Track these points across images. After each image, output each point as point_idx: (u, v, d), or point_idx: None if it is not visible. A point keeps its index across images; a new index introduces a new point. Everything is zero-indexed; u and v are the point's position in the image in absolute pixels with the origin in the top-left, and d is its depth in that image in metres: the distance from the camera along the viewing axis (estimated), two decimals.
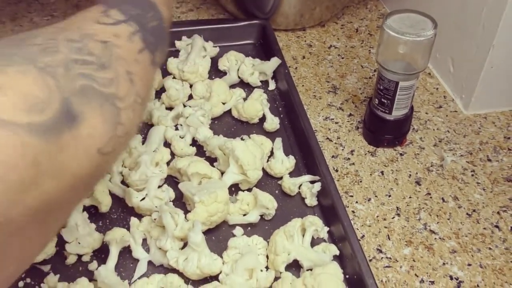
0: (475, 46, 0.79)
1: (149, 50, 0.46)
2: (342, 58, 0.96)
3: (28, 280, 0.60)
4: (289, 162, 0.72)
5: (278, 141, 0.74)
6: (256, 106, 0.79)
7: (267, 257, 0.62)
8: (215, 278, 0.60)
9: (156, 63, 0.49)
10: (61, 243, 0.61)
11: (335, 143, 0.79)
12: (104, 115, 0.37)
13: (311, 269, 0.59)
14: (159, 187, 0.68)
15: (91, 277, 0.59)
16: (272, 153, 0.74)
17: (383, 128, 0.76)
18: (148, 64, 0.46)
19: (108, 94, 0.38)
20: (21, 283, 0.59)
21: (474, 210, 0.70)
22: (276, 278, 0.59)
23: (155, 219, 0.63)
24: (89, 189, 0.51)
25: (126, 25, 0.45)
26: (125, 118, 0.40)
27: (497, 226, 0.68)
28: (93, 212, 0.67)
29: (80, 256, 0.62)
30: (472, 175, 0.74)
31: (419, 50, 0.68)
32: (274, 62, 0.85)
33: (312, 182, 0.70)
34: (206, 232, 0.65)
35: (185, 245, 0.62)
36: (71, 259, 0.61)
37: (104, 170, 0.43)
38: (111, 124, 0.38)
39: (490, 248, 0.65)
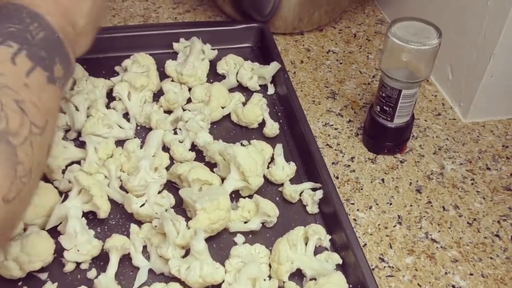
0: (476, 54, 0.79)
1: (41, 67, 0.42)
2: (341, 63, 0.95)
3: None
4: (290, 169, 0.72)
5: (279, 147, 0.73)
6: (255, 111, 0.78)
7: (270, 266, 0.61)
8: (217, 287, 0.59)
9: (55, 79, 0.44)
10: (59, 250, 0.60)
11: (335, 149, 0.79)
12: None
13: (314, 278, 0.59)
14: (159, 192, 0.67)
15: (90, 285, 0.58)
16: (272, 159, 0.73)
17: (384, 136, 0.76)
18: (44, 83, 0.42)
19: None
20: None
21: (474, 219, 0.70)
22: None
23: (155, 226, 0.62)
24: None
25: (3, 47, 0.40)
26: (24, 155, 0.36)
27: (497, 235, 0.68)
28: (91, 218, 0.65)
29: (78, 264, 0.60)
30: (472, 184, 0.75)
31: (423, 59, 0.68)
32: (274, 66, 0.85)
33: (314, 189, 0.69)
34: (207, 240, 0.63)
35: (186, 253, 0.60)
36: (69, 267, 0.60)
37: (16, 218, 0.38)
38: (9, 166, 0.34)
39: (491, 258, 0.65)
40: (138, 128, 0.79)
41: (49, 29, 0.46)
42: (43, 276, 0.59)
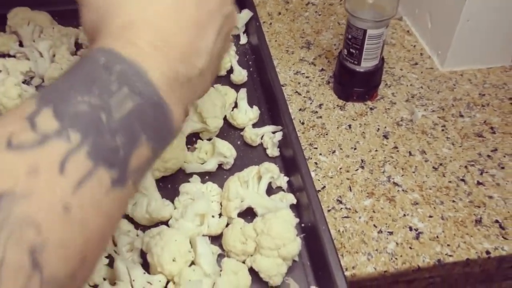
0: None
1: (106, 166, 0.29)
2: (319, 15, 0.93)
3: None
4: (253, 113, 0.70)
5: (243, 91, 0.72)
6: None
7: (221, 205, 0.60)
8: (165, 224, 0.58)
9: (127, 176, 0.31)
10: None
11: (304, 96, 0.77)
12: None
13: None
14: None
15: None
16: (236, 104, 0.72)
17: (353, 81, 0.74)
18: (103, 190, 0.29)
19: None
20: None
21: (441, 164, 0.68)
22: (228, 225, 0.58)
23: None
24: None
25: (57, 142, 0.28)
26: None
27: (463, 180, 0.66)
28: None
29: None
30: (442, 130, 0.72)
31: None
32: (246, 14, 0.83)
33: (274, 132, 0.68)
34: (162, 180, 0.63)
35: None
36: None
37: None
38: None
39: (453, 201, 0.63)
40: None
41: (146, 93, 0.32)
42: None
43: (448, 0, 0.77)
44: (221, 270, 0.52)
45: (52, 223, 0.26)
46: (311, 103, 0.76)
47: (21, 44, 0.79)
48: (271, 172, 0.60)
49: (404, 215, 0.62)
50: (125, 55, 0.33)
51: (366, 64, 0.71)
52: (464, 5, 0.74)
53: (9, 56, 0.77)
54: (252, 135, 0.67)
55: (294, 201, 0.60)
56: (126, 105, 0.31)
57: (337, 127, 0.72)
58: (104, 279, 0.52)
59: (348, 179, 0.66)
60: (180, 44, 0.37)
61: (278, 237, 0.53)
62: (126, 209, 0.34)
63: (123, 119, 0.31)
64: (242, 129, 0.70)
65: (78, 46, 0.79)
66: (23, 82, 0.73)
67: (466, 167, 0.67)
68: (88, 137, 0.29)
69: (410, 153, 0.69)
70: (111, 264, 0.53)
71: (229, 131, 0.70)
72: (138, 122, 0.32)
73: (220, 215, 0.59)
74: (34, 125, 0.28)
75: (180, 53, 0.36)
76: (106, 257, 0.54)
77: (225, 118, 0.70)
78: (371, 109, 0.75)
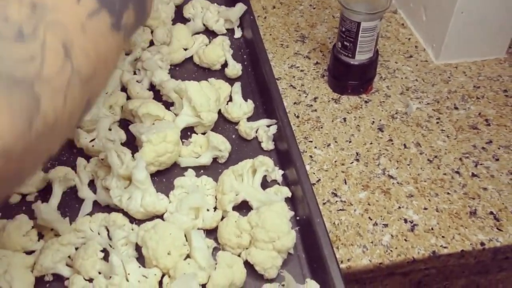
0: None
1: (108, 10, 0.36)
2: (314, 8, 0.93)
3: None
4: (247, 107, 0.70)
5: (237, 85, 0.71)
6: (217, 51, 0.76)
7: (216, 198, 0.60)
8: (160, 218, 0.58)
9: (121, 26, 0.38)
10: None
11: (299, 90, 0.77)
12: (12, 106, 0.28)
13: None
14: (111, 130, 0.66)
15: (33, 216, 0.57)
16: (230, 97, 0.72)
17: (347, 74, 0.74)
18: (106, 29, 0.36)
19: (22, 77, 0.29)
20: None
21: (435, 156, 0.68)
22: (223, 219, 0.58)
23: (102, 159, 0.62)
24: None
25: None
26: (49, 107, 0.31)
27: (457, 172, 0.66)
28: None
29: (24, 196, 0.60)
30: (437, 123, 0.72)
31: None
32: (240, 8, 0.83)
33: (269, 126, 0.67)
34: (156, 174, 0.63)
35: (130, 185, 0.60)
36: (15, 198, 0.60)
37: (19, 175, 0.33)
38: (22, 117, 0.29)
39: (448, 193, 0.64)
40: (87, 110, 0.77)
41: None
42: None
43: None
44: (216, 263, 0.52)
45: (75, 32, 0.33)
46: (306, 96, 0.76)
47: None
48: (266, 165, 0.60)
49: (399, 207, 0.62)
50: None
51: (361, 57, 0.71)
52: None
53: None
54: (246, 128, 0.67)
55: (289, 194, 0.60)
56: None
57: (332, 120, 0.72)
58: (99, 273, 0.52)
59: (343, 172, 0.66)
60: None
61: (272, 230, 0.53)
62: (119, 56, 0.40)
63: None
64: (236, 123, 0.70)
65: None
66: None
67: (460, 159, 0.67)
68: None
69: (405, 146, 0.69)
70: (106, 258, 0.53)
71: (223, 125, 0.70)
72: None
73: (215, 208, 0.59)
74: None
75: None
76: (101, 251, 0.54)
77: (219, 112, 0.70)
78: (366, 102, 0.75)
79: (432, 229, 0.60)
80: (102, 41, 0.36)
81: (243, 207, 0.59)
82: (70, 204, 0.60)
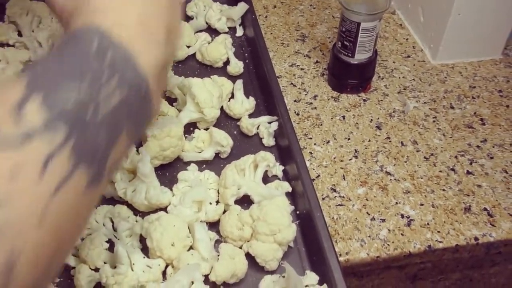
0: None
1: (87, 164, 0.28)
2: (314, 8, 0.94)
3: None
4: (249, 103, 0.72)
5: (239, 82, 0.73)
6: (219, 49, 0.78)
7: (218, 192, 0.62)
8: (164, 210, 0.60)
9: (103, 175, 0.30)
10: None
11: (299, 88, 0.79)
12: None
13: None
14: None
15: None
16: (232, 94, 0.73)
17: (347, 73, 0.76)
18: (79, 192, 0.29)
19: None
20: None
21: (432, 154, 0.70)
22: (225, 212, 0.59)
23: None
24: None
25: (43, 138, 0.27)
26: None
27: (453, 169, 0.68)
28: None
29: None
30: (434, 121, 0.74)
31: None
32: (242, 7, 0.84)
33: (270, 123, 0.69)
34: (160, 168, 0.64)
35: (135, 178, 0.61)
36: None
37: None
38: None
39: (444, 190, 0.65)
40: None
41: (135, 85, 0.32)
42: None
43: None
44: (218, 255, 0.54)
45: (28, 230, 0.26)
46: (306, 94, 0.78)
47: (19, 34, 0.79)
48: (267, 160, 0.62)
49: (396, 203, 0.64)
50: (116, 38, 0.31)
51: (360, 56, 0.73)
52: (455, 0, 0.75)
53: (8, 45, 0.78)
54: (248, 125, 0.69)
55: (290, 189, 0.62)
56: (114, 98, 0.30)
57: (331, 118, 0.74)
58: (105, 262, 0.54)
59: (342, 168, 0.67)
60: (163, 25, 0.36)
61: (273, 223, 0.54)
62: (91, 212, 0.32)
63: (109, 113, 0.30)
64: (238, 119, 0.71)
65: None
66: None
67: (456, 157, 0.69)
68: (73, 132, 0.28)
69: (402, 144, 0.71)
70: (111, 248, 0.55)
71: (225, 121, 0.71)
72: (122, 116, 0.31)
73: (217, 202, 0.61)
74: (21, 116, 0.27)
75: (164, 34, 0.35)
76: (107, 241, 0.55)
77: (221, 109, 0.71)
78: (364, 100, 0.77)
79: (428, 224, 0.61)
80: (70, 217, 0.28)
81: (245, 201, 0.61)
82: None
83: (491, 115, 0.75)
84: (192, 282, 0.51)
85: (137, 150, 0.62)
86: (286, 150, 0.66)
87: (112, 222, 0.58)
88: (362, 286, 0.65)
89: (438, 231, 0.61)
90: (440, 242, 0.60)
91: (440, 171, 0.67)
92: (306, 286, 0.52)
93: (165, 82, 0.38)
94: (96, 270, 0.54)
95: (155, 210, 0.60)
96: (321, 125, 0.73)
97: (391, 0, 0.68)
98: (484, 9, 0.77)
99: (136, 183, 0.59)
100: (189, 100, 0.68)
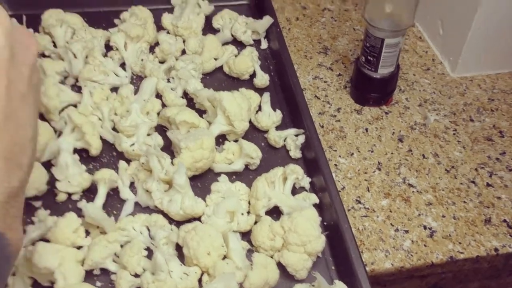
0: (463, 7, 0.80)
1: None
2: (335, 20, 0.97)
3: None
4: (276, 116, 0.74)
5: (266, 95, 0.76)
6: (246, 62, 0.81)
7: (249, 203, 0.64)
8: (197, 220, 0.62)
9: None
10: (53, 183, 0.64)
11: (323, 100, 0.81)
12: None
13: None
14: (149, 135, 0.71)
15: (80, 214, 0.62)
16: (260, 107, 0.76)
17: (369, 86, 0.78)
18: None
19: None
20: None
21: (452, 167, 0.72)
22: (256, 222, 0.62)
23: (143, 163, 0.66)
24: None
25: None
26: None
27: (473, 182, 0.70)
28: (84, 156, 0.69)
29: (70, 195, 0.65)
30: (454, 134, 0.77)
31: (404, 7, 0.69)
32: (267, 20, 0.87)
33: (297, 135, 0.72)
34: (192, 179, 0.67)
35: (170, 189, 0.64)
36: (61, 197, 0.64)
37: None
38: None
39: (464, 202, 0.68)
40: (134, 77, 0.82)
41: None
42: (37, 203, 0.63)
43: (460, 8, 0.81)
44: (251, 264, 0.57)
45: None
46: (329, 107, 0.80)
47: (54, 45, 0.83)
48: (296, 173, 0.65)
49: (419, 214, 0.66)
50: None
51: (383, 71, 0.75)
52: (475, 13, 0.78)
53: (44, 56, 0.81)
54: (275, 137, 0.72)
55: (317, 201, 0.64)
56: None
57: (355, 131, 0.77)
58: (144, 269, 0.57)
59: (366, 180, 0.70)
60: (2, 147, 0.31)
61: (304, 234, 0.57)
62: None
63: None
64: (265, 131, 0.74)
65: (108, 48, 0.83)
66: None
67: (476, 169, 0.72)
68: None
69: (423, 156, 0.73)
70: (149, 256, 0.58)
71: (253, 133, 0.74)
72: None
73: (248, 212, 0.64)
74: None
75: (4, 159, 0.32)
76: (145, 249, 0.58)
77: (249, 121, 0.74)
78: (386, 113, 0.79)
79: (449, 235, 0.64)
80: None
81: (274, 212, 0.64)
82: (113, 204, 0.65)
83: (509, 128, 0.77)
84: None
85: (172, 162, 0.65)
86: (313, 163, 0.68)
87: (148, 230, 0.61)
88: None
89: (460, 242, 0.63)
90: (462, 253, 0.62)
91: (461, 184, 0.70)
92: None
93: (21, 204, 0.35)
94: (136, 275, 0.57)
95: (189, 220, 0.63)
96: (345, 137, 0.76)
97: (415, 16, 0.71)
98: (503, 23, 0.79)
99: (171, 193, 0.62)
100: (219, 113, 0.70)
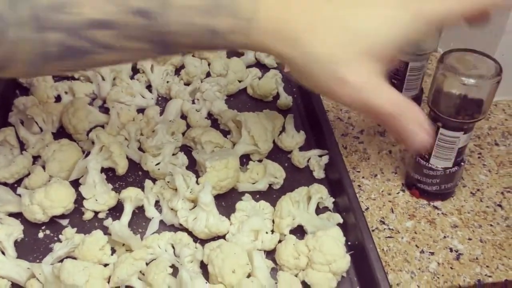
0: (488, 33, 0.81)
1: None
2: None
3: (48, 231, 0.64)
4: (299, 137, 0.75)
5: (290, 116, 0.76)
6: (270, 84, 0.82)
7: (273, 222, 0.65)
8: (222, 238, 0.63)
9: None
10: (80, 202, 0.65)
11: (346, 122, 0.82)
12: None
13: None
14: (174, 154, 0.72)
15: (106, 231, 0.63)
16: (284, 128, 0.77)
17: None
18: None
19: None
20: (41, 234, 0.63)
21: (478, 190, 0.71)
22: (280, 241, 0.62)
23: (168, 182, 0.67)
24: None
25: None
26: None
27: (500, 205, 0.69)
28: (110, 175, 0.70)
29: (96, 213, 0.66)
30: (479, 157, 0.76)
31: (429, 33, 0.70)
32: None
33: (321, 156, 0.72)
34: (216, 198, 0.67)
35: (195, 207, 0.65)
36: (88, 215, 0.65)
37: None
38: None
39: (491, 225, 0.67)
40: (159, 98, 0.84)
41: None
42: (64, 222, 0.64)
43: (483, 34, 0.82)
44: (276, 282, 0.57)
45: None
46: (352, 129, 0.81)
47: None
48: (321, 193, 0.65)
49: (444, 237, 0.65)
50: None
51: (407, 94, 0.76)
52: (500, 40, 0.78)
53: (74, 79, 0.83)
54: (299, 158, 0.72)
55: (341, 221, 0.64)
56: None
57: (378, 152, 0.77)
58: (169, 287, 0.57)
59: (390, 201, 0.70)
60: None
61: (329, 253, 0.57)
62: None
63: None
64: (289, 152, 0.75)
65: (135, 70, 0.85)
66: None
67: (502, 193, 0.71)
68: None
69: None
70: (174, 274, 0.58)
71: (277, 153, 0.75)
72: None
73: (272, 231, 0.64)
74: None
75: None
76: (170, 267, 0.58)
77: (273, 141, 0.75)
78: None
79: (476, 258, 0.63)
80: None
81: (297, 231, 0.64)
82: (138, 222, 0.66)
83: None
84: None
85: (197, 181, 0.65)
86: (337, 183, 0.68)
87: (173, 248, 0.62)
88: None
89: (487, 266, 0.62)
90: (490, 276, 0.61)
91: (487, 207, 0.69)
92: None
93: None
94: None
95: (213, 238, 0.63)
96: (369, 159, 0.76)
97: (439, 40, 0.71)
98: None
99: (197, 211, 0.62)
100: (244, 134, 0.71)
